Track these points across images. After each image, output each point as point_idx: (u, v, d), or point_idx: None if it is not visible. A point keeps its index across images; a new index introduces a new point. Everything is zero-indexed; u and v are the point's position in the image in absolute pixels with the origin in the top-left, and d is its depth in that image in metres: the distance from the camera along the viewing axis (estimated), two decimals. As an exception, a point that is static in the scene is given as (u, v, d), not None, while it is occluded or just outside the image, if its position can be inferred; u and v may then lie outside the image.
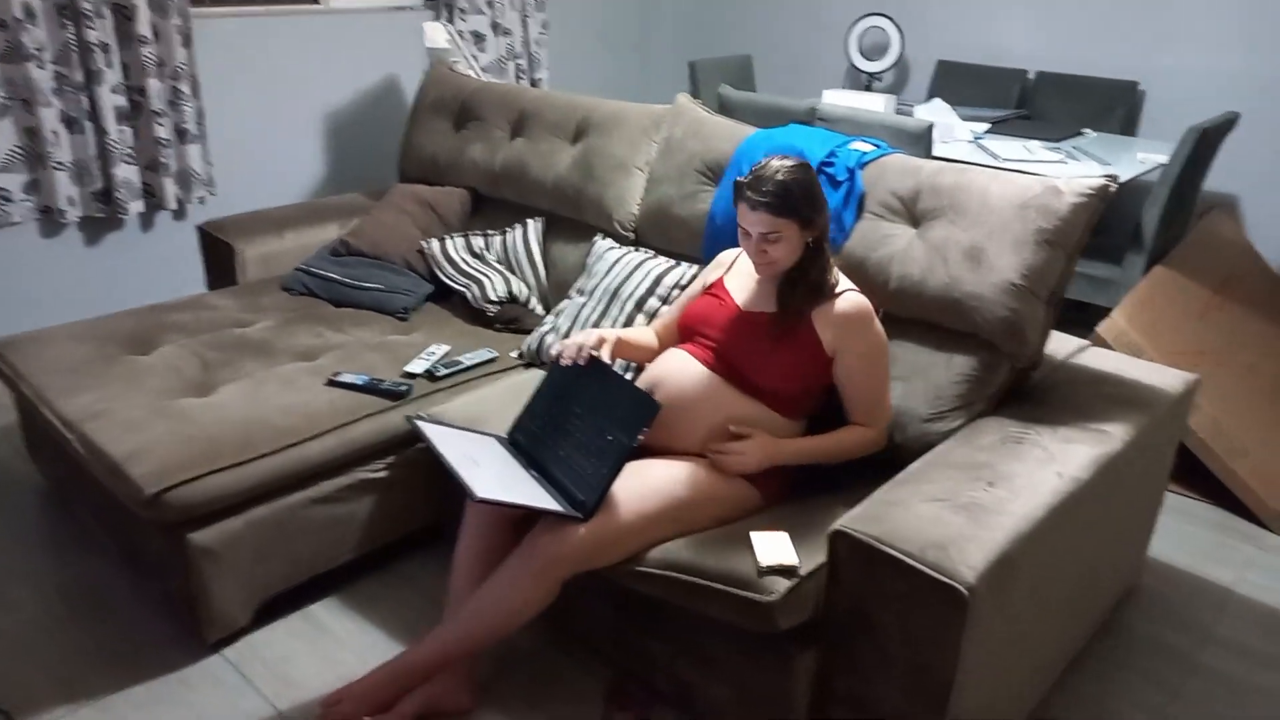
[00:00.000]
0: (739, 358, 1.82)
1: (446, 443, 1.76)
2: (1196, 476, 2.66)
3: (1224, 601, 2.25)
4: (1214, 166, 3.33)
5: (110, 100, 3.08)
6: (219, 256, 2.91)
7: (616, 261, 2.38)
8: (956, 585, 1.38)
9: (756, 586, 1.55)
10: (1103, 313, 2.85)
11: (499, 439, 1.91)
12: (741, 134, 2.30)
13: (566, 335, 2.33)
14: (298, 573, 2.07)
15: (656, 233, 2.44)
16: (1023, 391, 1.95)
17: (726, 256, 2.06)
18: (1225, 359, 2.87)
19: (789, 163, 1.80)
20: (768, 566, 1.56)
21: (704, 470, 1.79)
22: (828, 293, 1.83)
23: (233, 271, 2.86)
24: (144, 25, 3.09)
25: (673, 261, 2.32)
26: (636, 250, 2.41)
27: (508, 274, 2.66)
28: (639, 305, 2.27)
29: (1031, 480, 1.61)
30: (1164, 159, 3.08)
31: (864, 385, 1.82)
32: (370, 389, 2.17)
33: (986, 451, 1.71)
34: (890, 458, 1.87)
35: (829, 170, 2.09)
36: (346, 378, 2.20)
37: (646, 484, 1.74)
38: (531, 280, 2.66)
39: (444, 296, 2.71)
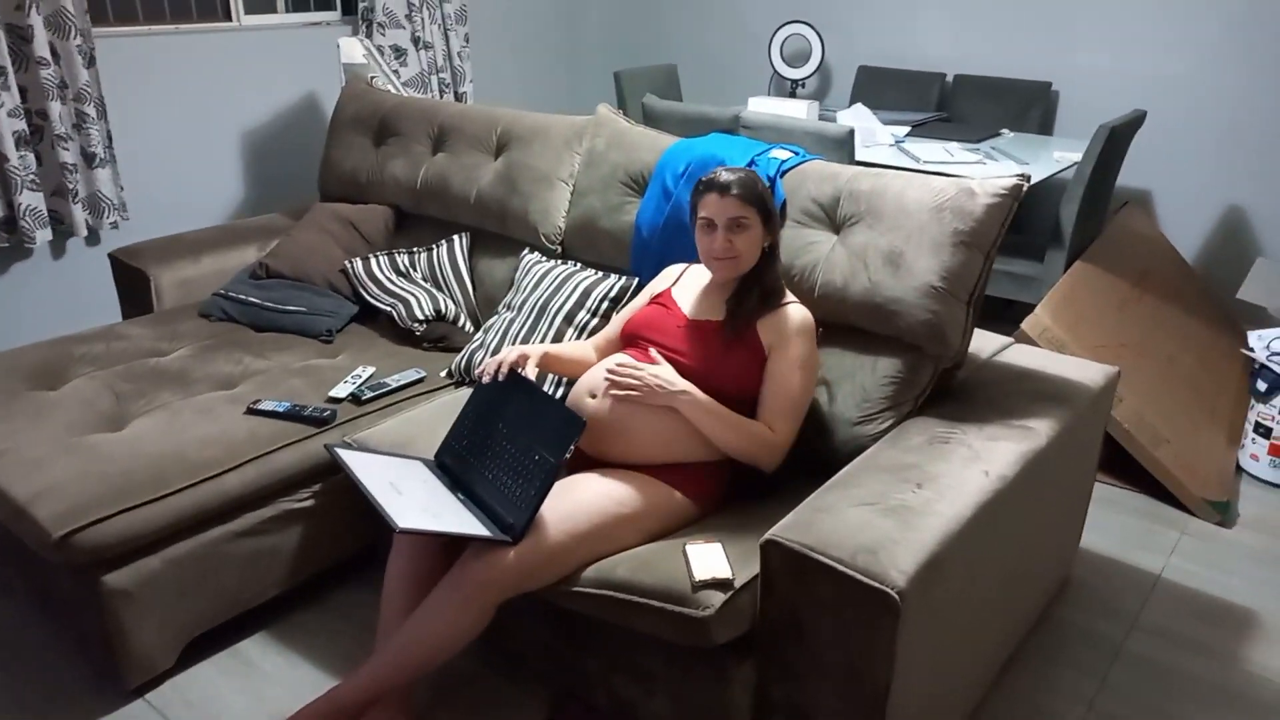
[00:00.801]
0: (688, 363, 1.81)
1: (367, 471, 1.71)
2: (1123, 466, 2.73)
3: (1152, 588, 2.31)
4: (1126, 163, 3.44)
5: (8, 125, 2.95)
6: (133, 284, 2.81)
7: (544, 276, 2.36)
8: (887, 589, 1.38)
9: (691, 601, 1.53)
10: (1027, 309, 2.91)
11: (425, 462, 1.87)
12: (663, 144, 2.29)
13: (496, 352, 2.30)
14: (224, 610, 1.99)
15: (584, 245, 2.42)
16: (948, 391, 1.97)
17: (672, 271, 2.05)
18: (1146, 350, 2.95)
19: (744, 170, 1.85)
20: (702, 581, 1.55)
21: (638, 484, 1.77)
22: (776, 303, 1.84)
23: (148, 299, 2.77)
24: (42, 46, 2.98)
25: (601, 274, 2.30)
26: (564, 263, 2.39)
27: (434, 291, 2.61)
28: (568, 319, 2.24)
29: (958, 480, 1.63)
30: (1078, 157, 3.16)
31: (782, 391, 1.82)
32: (292, 416, 2.11)
33: (914, 453, 1.72)
34: (824, 461, 1.87)
35: (750, 178, 2.09)
36: (267, 405, 2.13)
37: (578, 503, 1.71)
38: (459, 297, 2.62)
39: (370, 317, 2.65)
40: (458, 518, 1.66)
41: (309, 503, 2.08)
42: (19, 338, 3.11)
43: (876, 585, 1.39)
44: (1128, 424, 2.62)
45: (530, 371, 1.83)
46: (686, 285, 1.97)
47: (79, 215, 3.20)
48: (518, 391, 1.82)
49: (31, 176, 3.07)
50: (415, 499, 1.67)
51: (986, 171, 3.09)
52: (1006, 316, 3.25)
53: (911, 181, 1.93)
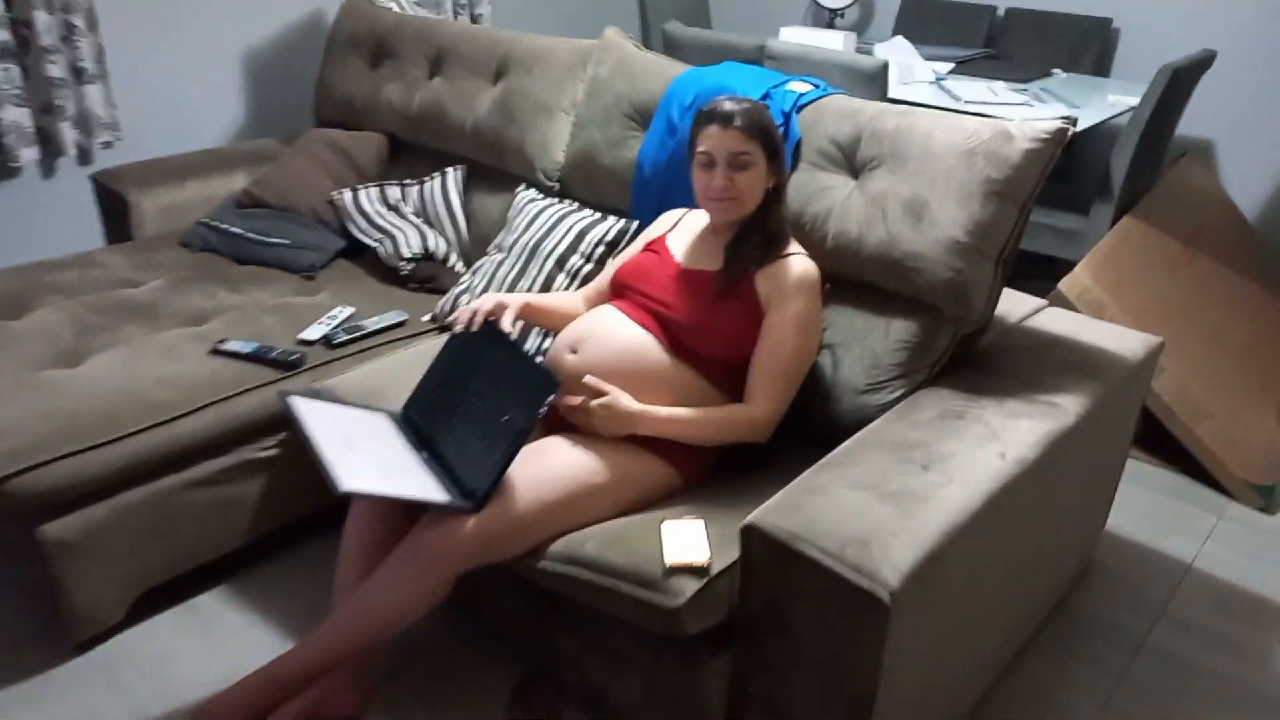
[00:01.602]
0: (677, 317, 1.64)
1: (321, 423, 1.57)
2: (1159, 440, 2.52)
3: (1181, 577, 2.12)
4: (1188, 110, 3.15)
5: (-10, 35, 2.79)
6: (114, 209, 2.67)
7: (538, 215, 2.17)
8: (876, 590, 1.22)
9: (662, 587, 1.38)
10: (1068, 267, 2.68)
11: (391, 415, 1.73)
12: (673, 73, 2.08)
13: (484, 293, 2.13)
14: (180, 562, 1.89)
15: (582, 183, 2.23)
16: (969, 358, 1.77)
17: (670, 216, 1.86)
18: (1193, 317, 2.72)
19: (750, 101, 1.66)
20: (674, 565, 1.39)
21: (617, 451, 1.61)
22: (778, 252, 1.65)
23: (129, 225, 2.63)
24: (25, -50, 2.80)
25: (599, 215, 2.12)
26: (560, 202, 2.20)
27: (425, 228, 2.44)
28: (560, 263, 2.07)
29: (970, 462, 1.45)
30: (1135, 101, 2.88)
31: (778, 353, 1.63)
32: (258, 358, 1.97)
33: (923, 429, 1.54)
34: (824, 433, 1.70)
35: (762, 113, 1.88)
36: (232, 345, 1.99)
37: (549, 468, 1.56)
38: (451, 235, 2.45)
39: (358, 252, 2.50)
40: (415, 480, 1.52)
41: (273, 451, 1.95)
42: (2, 261, 2.99)
43: (865, 586, 1.22)
44: (1168, 397, 2.41)
45: (507, 323, 1.66)
46: (683, 232, 1.79)
47: (67, 134, 3.04)
48: (493, 345, 1.66)
49: (16, 91, 2.91)
50: (370, 457, 1.53)
51: (1031, 114, 2.83)
52: (1045, 274, 3.02)
53: (941, 121, 1.71)
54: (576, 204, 2.18)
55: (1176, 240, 2.88)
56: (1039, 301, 2.02)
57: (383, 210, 2.50)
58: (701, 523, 1.48)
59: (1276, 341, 2.95)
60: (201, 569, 1.93)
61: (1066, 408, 1.61)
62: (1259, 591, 2.09)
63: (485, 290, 2.13)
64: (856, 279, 1.77)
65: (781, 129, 1.85)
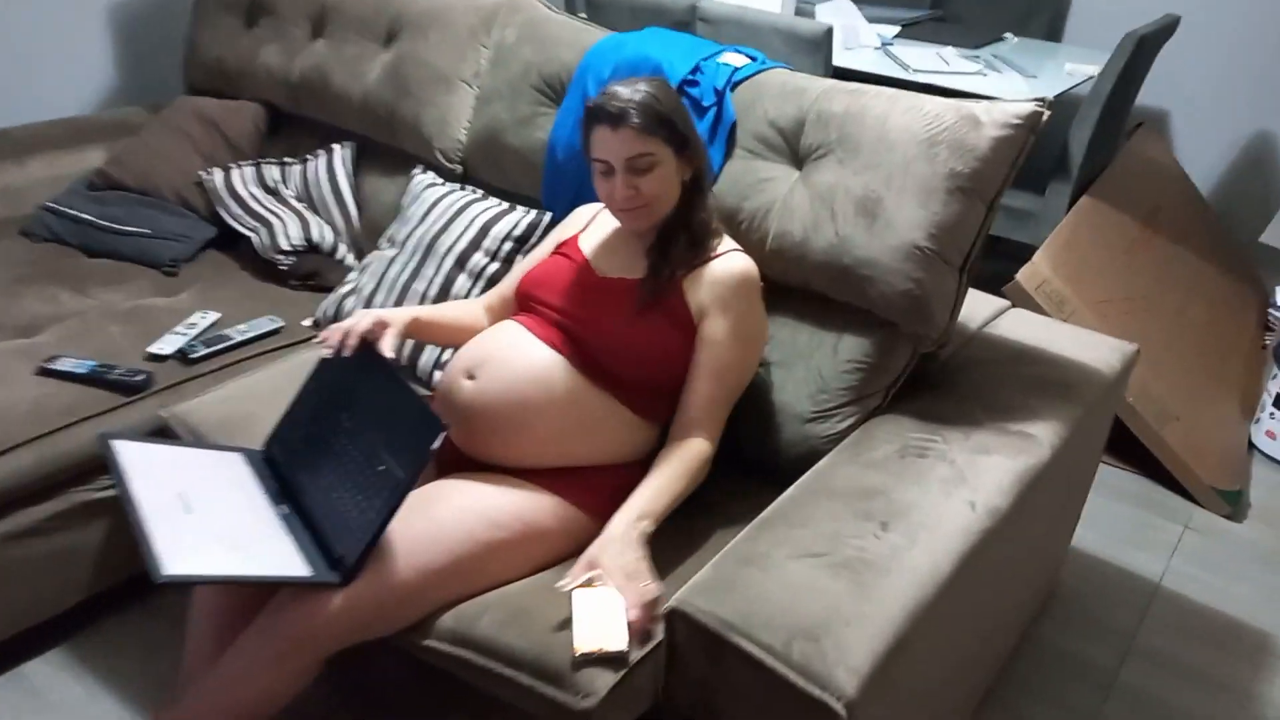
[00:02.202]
0: (590, 333, 1.37)
1: (149, 475, 1.27)
2: (1122, 441, 2.35)
3: (1149, 599, 1.95)
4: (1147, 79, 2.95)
5: None
6: (-58, 190, 2.29)
7: (435, 203, 1.87)
8: (829, 702, 0.98)
9: (570, 684, 1.13)
10: (1019, 249, 2.48)
11: (248, 456, 1.44)
12: (588, 40, 1.79)
13: (371, 298, 1.83)
14: (3, 627, 1.58)
15: (487, 165, 1.93)
16: (927, 376, 1.54)
17: (585, 212, 1.58)
18: (1155, 304, 2.54)
19: (646, 81, 1.37)
20: (585, 653, 1.14)
21: (522, 497, 1.34)
22: (708, 250, 1.39)
23: (-40, 210, 2.25)
24: None
25: (505, 205, 1.83)
26: (462, 189, 1.91)
27: (308, 215, 2.12)
28: (460, 262, 1.78)
29: (936, 515, 1.22)
30: (1094, 70, 2.67)
31: (718, 373, 1.38)
32: (95, 379, 1.65)
33: (880, 470, 1.31)
34: (764, 466, 1.47)
35: (692, 92, 1.61)
36: (64, 364, 1.67)
37: (436, 525, 1.29)
38: (339, 222, 2.13)
39: (231, 242, 2.16)
40: (267, 551, 1.23)
41: (112, 491, 1.64)
42: None
43: (816, 694, 0.99)
44: (1132, 398, 2.23)
45: (387, 347, 1.38)
46: (598, 231, 1.51)
47: (-108, 99, 2.62)
48: (369, 372, 1.37)
49: None
50: (208, 522, 1.24)
51: (988, 85, 2.60)
52: (998, 253, 2.81)
53: (897, 103, 1.46)
54: (481, 192, 1.89)
55: (1134, 220, 2.70)
56: (1000, 303, 1.80)
57: (259, 193, 2.17)
58: (620, 599, 1.22)
59: (1233, 322, 2.81)
60: (32, 631, 1.62)
61: (1040, 439, 1.39)
62: (1231, 613, 1.93)
63: (375, 291, 1.83)
64: (801, 286, 1.53)
65: (713, 109, 1.58)
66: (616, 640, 1.15)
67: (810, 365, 1.48)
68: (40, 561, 1.58)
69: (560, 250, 1.52)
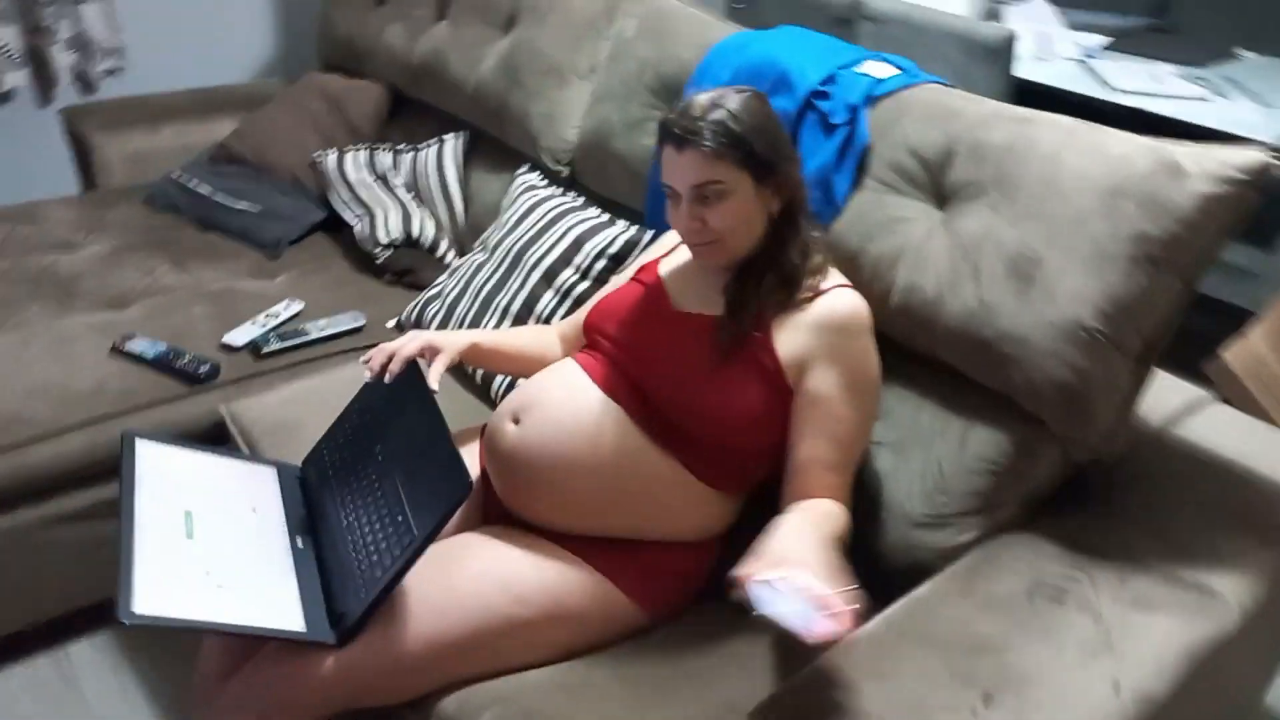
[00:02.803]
0: (657, 378, 1.16)
1: (161, 484, 1.16)
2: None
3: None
4: None
5: (-33, -60, 2.45)
6: (81, 153, 2.32)
7: (532, 209, 1.70)
8: None
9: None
10: (1233, 316, 2.06)
11: (282, 472, 1.31)
12: (714, 37, 1.55)
13: (454, 306, 1.69)
14: (44, 609, 1.53)
15: (594, 171, 1.74)
16: (1080, 484, 1.23)
17: (674, 236, 1.37)
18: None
19: (735, 92, 1.13)
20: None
21: (558, 569, 1.15)
22: (805, 289, 1.15)
23: (94, 173, 2.28)
24: None
25: (606, 218, 1.63)
26: (564, 195, 1.73)
27: (413, 206, 2.00)
28: (547, 276, 1.60)
29: (1063, 694, 0.94)
30: (1353, 103, 2.20)
31: (830, 433, 1.13)
32: (163, 365, 1.58)
33: (998, 614, 1.03)
34: (860, 569, 1.21)
35: (821, 105, 1.35)
36: (137, 345, 1.61)
37: (452, 592, 1.12)
38: (444, 216, 2.00)
39: (339, 228, 2.08)
40: (263, 594, 1.09)
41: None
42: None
43: None
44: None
45: (434, 375, 1.21)
46: (682, 256, 1.29)
47: (61, 58, 2.70)
48: (410, 404, 1.22)
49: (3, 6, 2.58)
50: (209, 550, 1.11)
51: (1210, 114, 2.18)
52: (1205, 320, 2.37)
53: (1075, 138, 1.16)
54: (582, 200, 1.70)
55: (1384, 290, 2.20)
56: (1194, 392, 1.44)
57: (369, 179, 2.07)
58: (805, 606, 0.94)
59: None
60: (79, 612, 1.58)
61: (1226, 597, 1.06)
62: None
63: (459, 299, 1.68)
64: (928, 354, 1.25)
65: (844, 128, 1.32)
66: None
67: (930, 456, 1.20)
68: (91, 545, 1.52)
69: (639, 276, 1.31)
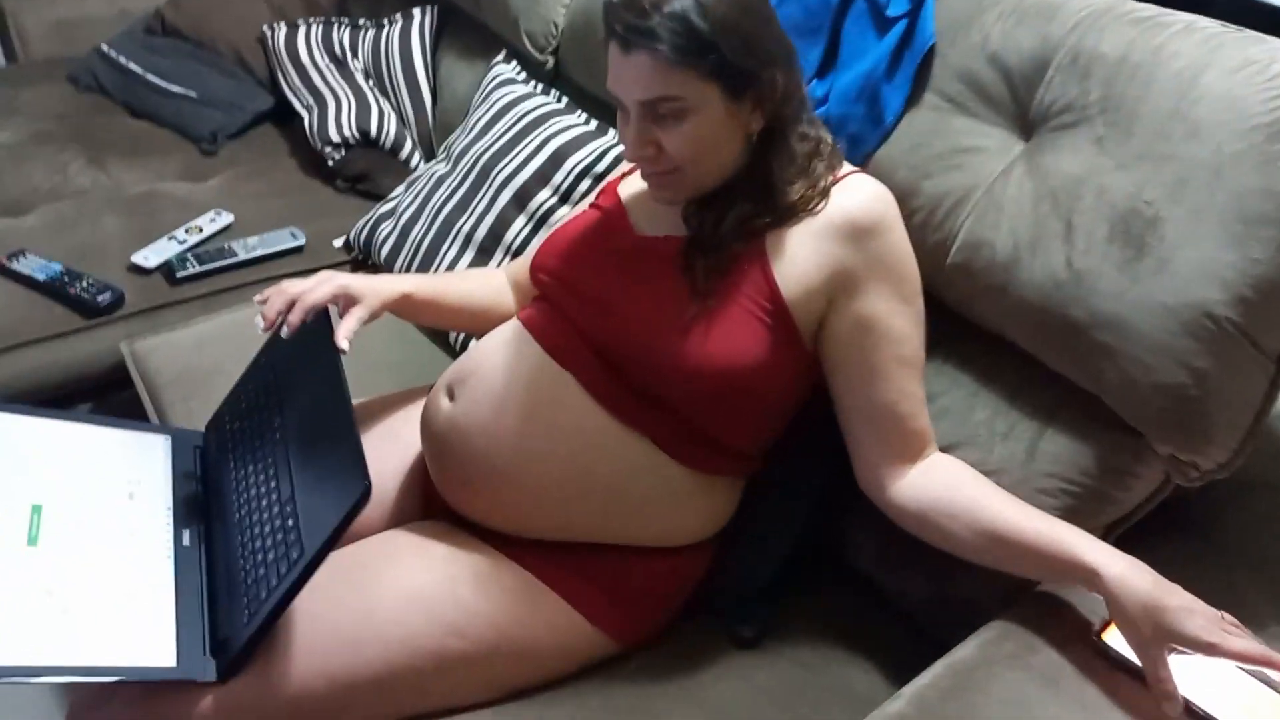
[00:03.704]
0: (617, 333, 0.89)
1: (8, 464, 0.92)
2: None
3: None
4: None
5: None
6: (-1, 18, 2.00)
7: (505, 109, 1.39)
8: None
9: None
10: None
11: (177, 441, 1.06)
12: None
13: (409, 228, 1.40)
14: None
15: (582, 64, 1.42)
16: (1177, 506, 0.96)
17: None
18: None
19: None
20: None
21: (503, 587, 0.92)
22: (809, 196, 0.87)
23: (10, 44, 1.96)
24: None
25: (594, 124, 1.33)
26: (544, 94, 1.41)
27: (371, 97, 1.69)
28: (520, 199, 1.30)
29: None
30: None
31: (905, 354, 0.89)
32: (55, 289, 1.32)
33: (1065, 695, 0.78)
34: (892, 599, 0.97)
35: (874, -12, 1.03)
36: (26, 264, 1.35)
37: (367, 617, 0.88)
38: (410, 111, 1.69)
39: (290, 118, 1.77)
40: (122, 619, 0.85)
41: (68, 433, 1.33)
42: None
43: None
44: None
45: (344, 333, 0.95)
46: None
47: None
48: (316, 367, 0.95)
49: None
50: (55, 560, 0.87)
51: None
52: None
53: (1221, 51, 0.84)
54: (566, 101, 1.39)
55: None
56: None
57: (323, 61, 1.75)
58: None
59: None
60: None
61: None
62: None
63: (415, 219, 1.40)
64: (992, 331, 0.97)
65: (902, 22, 1.00)
66: None
67: (985, 462, 0.93)
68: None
69: (596, 201, 1.02)
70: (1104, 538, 0.91)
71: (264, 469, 0.94)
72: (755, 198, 0.87)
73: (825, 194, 0.88)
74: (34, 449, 0.96)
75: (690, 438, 0.91)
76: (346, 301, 0.97)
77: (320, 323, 0.96)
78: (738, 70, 0.81)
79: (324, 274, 0.99)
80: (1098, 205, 0.86)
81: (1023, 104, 0.93)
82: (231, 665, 0.84)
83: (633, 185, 0.99)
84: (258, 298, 0.99)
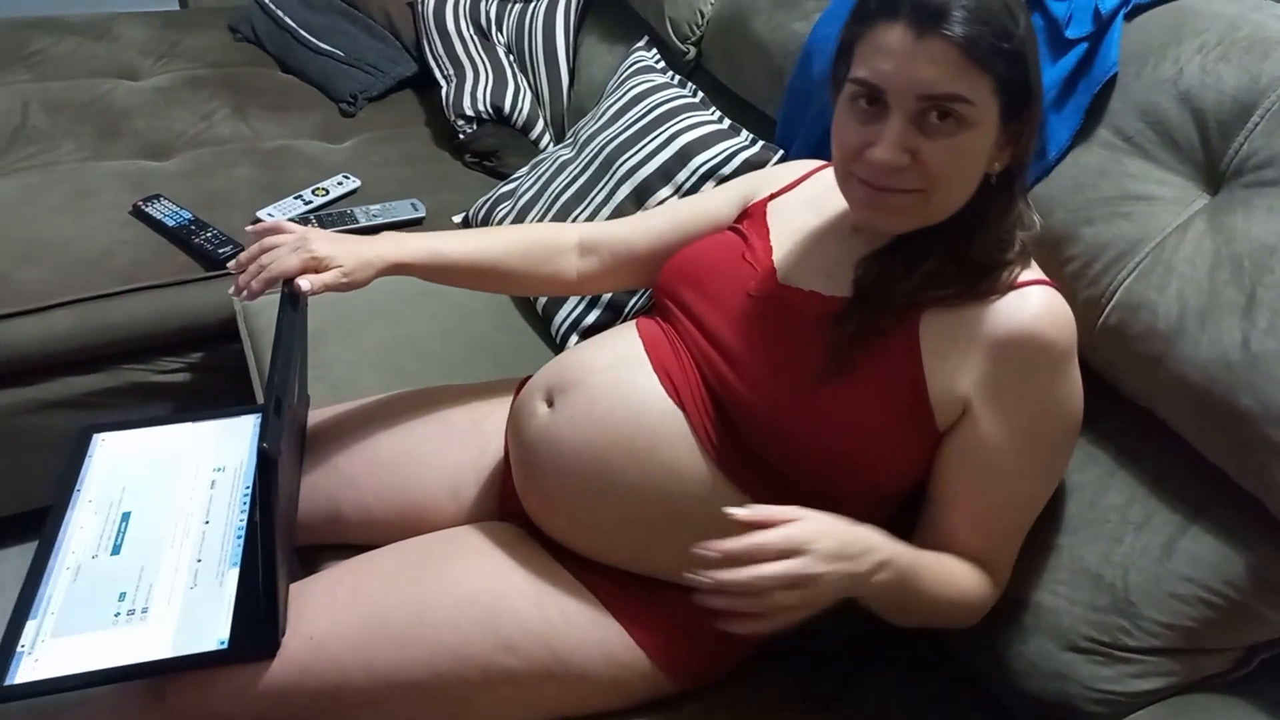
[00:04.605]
0: (740, 388, 0.82)
1: (109, 481, 0.95)
2: None
3: None
4: None
5: None
6: (174, -38, 2.07)
7: (637, 99, 1.33)
8: None
9: None
10: None
11: (259, 416, 1.05)
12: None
13: (527, 209, 1.37)
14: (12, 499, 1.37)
15: (724, 57, 1.35)
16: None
17: (801, 168, 0.98)
18: None
19: None
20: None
21: (565, 608, 0.87)
22: (993, 281, 0.77)
23: (187, -12, 2.03)
24: None
25: (726, 123, 1.25)
26: (681, 86, 1.34)
27: (510, 73, 1.66)
28: (640, 194, 1.24)
29: None
30: None
31: (1003, 490, 0.79)
32: (181, 237, 1.34)
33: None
34: (989, 684, 0.88)
35: (1055, 7, 0.92)
36: (159, 209, 1.38)
37: (419, 618, 0.85)
38: (546, 90, 1.66)
39: (432, 86, 1.76)
40: (187, 606, 0.85)
41: (180, 376, 1.36)
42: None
43: None
44: None
45: (309, 281, 0.89)
46: (810, 201, 0.91)
47: None
48: (285, 338, 0.89)
49: None
50: (134, 564, 0.87)
51: None
52: None
53: None
54: (702, 96, 1.31)
55: None
56: None
57: (468, 32, 1.73)
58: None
59: None
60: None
61: None
62: None
63: (534, 201, 1.36)
64: (1142, 404, 0.85)
65: (1082, 46, 0.89)
66: None
67: (1112, 553, 0.82)
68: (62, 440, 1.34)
69: (739, 223, 0.94)
70: (1245, 659, 0.79)
71: (286, 431, 0.90)
72: (948, 253, 0.77)
73: (1007, 285, 0.77)
74: (134, 458, 0.98)
75: (795, 504, 0.83)
76: (313, 267, 0.89)
77: (295, 301, 0.89)
78: (1023, 90, 0.72)
79: (300, 233, 0.91)
80: (1292, 276, 0.73)
81: (1214, 152, 0.81)
82: (268, 637, 0.82)
83: (784, 217, 0.90)
84: (232, 264, 0.94)
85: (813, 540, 0.67)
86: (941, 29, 0.68)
